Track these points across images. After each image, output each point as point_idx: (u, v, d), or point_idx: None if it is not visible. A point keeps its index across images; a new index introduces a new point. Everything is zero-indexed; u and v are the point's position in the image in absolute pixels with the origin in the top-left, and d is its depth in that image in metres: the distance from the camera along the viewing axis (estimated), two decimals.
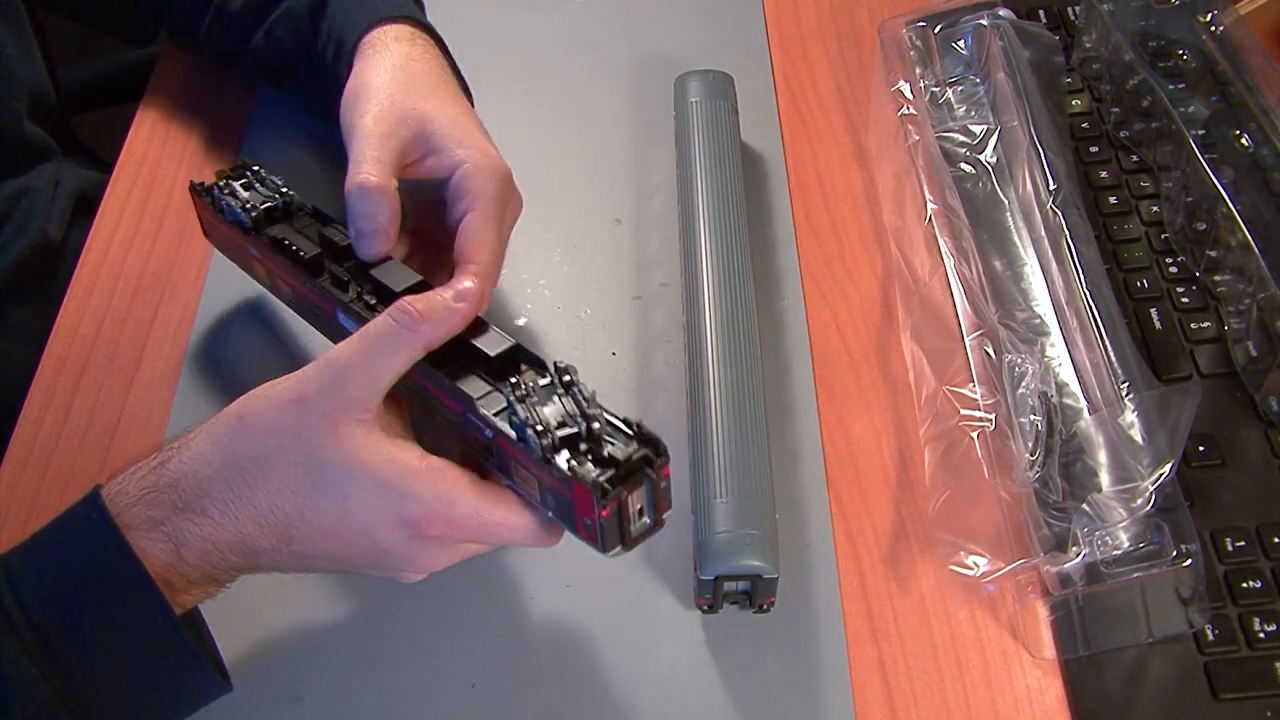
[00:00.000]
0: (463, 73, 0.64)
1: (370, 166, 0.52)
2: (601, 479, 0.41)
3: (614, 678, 0.52)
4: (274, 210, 0.57)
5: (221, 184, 0.59)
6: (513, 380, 0.44)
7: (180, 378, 0.63)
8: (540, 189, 0.62)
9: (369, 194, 0.51)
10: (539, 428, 0.42)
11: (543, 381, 0.44)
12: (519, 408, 0.43)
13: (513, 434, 0.44)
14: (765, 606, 0.52)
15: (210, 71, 0.78)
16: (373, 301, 0.51)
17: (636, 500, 0.42)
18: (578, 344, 0.63)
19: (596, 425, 0.42)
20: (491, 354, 0.46)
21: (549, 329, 0.64)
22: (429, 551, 0.44)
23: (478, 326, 0.48)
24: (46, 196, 0.73)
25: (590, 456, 0.42)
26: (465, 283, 0.46)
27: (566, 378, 0.44)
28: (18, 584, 0.42)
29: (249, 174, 0.59)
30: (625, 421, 0.43)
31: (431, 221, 0.57)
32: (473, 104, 0.64)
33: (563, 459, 0.42)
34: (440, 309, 0.45)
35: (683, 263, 0.62)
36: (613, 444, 0.42)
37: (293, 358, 0.63)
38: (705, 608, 0.53)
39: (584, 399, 0.43)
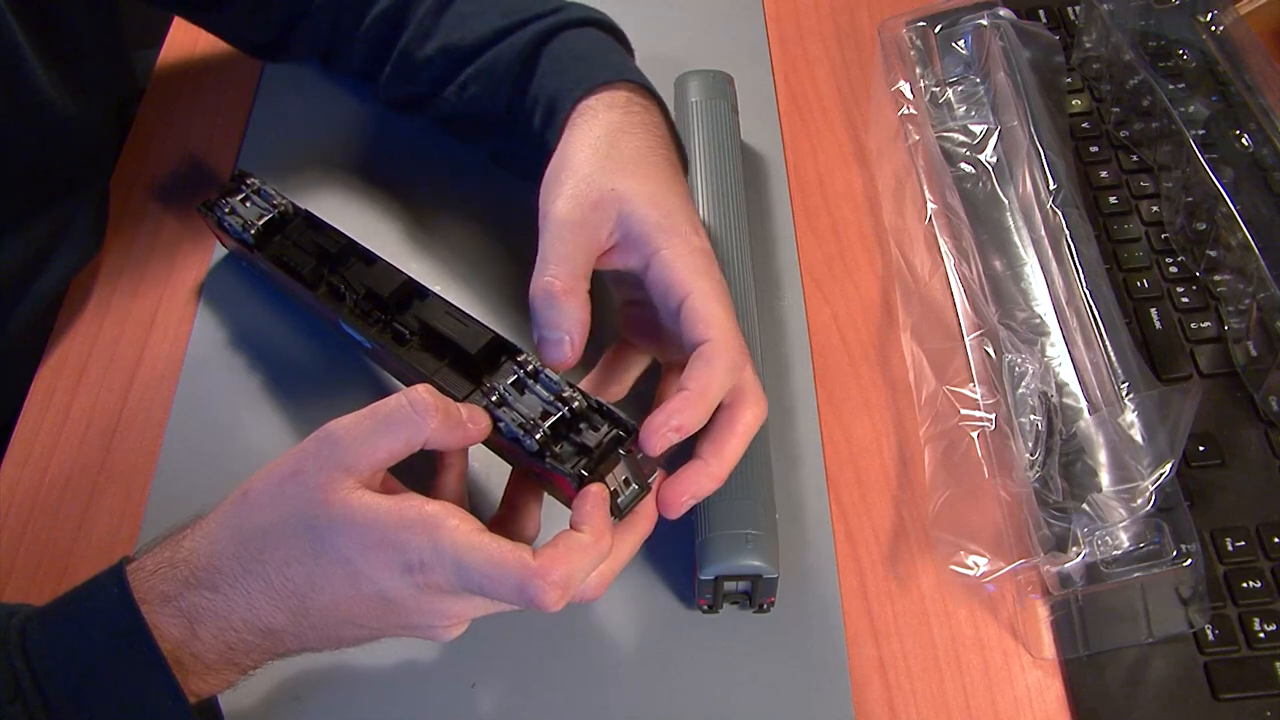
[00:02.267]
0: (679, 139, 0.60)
1: (556, 268, 0.49)
2: (579, 467, 0.45)
3: (614, 677, 0.52)
4: (271, 222, 0.60)
5: (223, 203, 0.62)
6: (485, 388, 0.48)
7: (180, 378, 0.63)
8: None
9: (553, 301, 0.49)
10: (527, 426, 0.46)
11: (510, 379, 0.48)
12: (501, 414, 0.46)
13: (512, 438, 0.46)
14: (765, 606, 0.52)
15: (210, 72, 0.78)
16: (368, 307, 0.55)
17: (620, 474, 0.46)
18: None
19: (577, 404, 0.46)
20: (472, 351, 0.50)
21: None
22: (443, 602, 0.43)
23: (457, 319, 0.52)
24: None
25: (571, 443, 0.46)
26: (480, 421, 0.46)
27: (530, 367, 0.48)
28: (32, 651, 0.42)
29: (245, 187, 0.62)
30: (597, 403, 0.47)
31: (636, 298, 0.54)
32: (687, 171, 0.61)
33: (548, 451, 0.46)
34: (454, 415, 0.45)
35: None
36: (588, 426, 0.46)
37: (293, 359, 0.63)
38: (705, 608, 0.53)
39: (554, 382, 0.47)
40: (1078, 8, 0.74)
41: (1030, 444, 0.53)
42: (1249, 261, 0.57)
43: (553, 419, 0.46)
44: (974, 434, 0.55)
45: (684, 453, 0.48)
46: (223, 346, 0.64)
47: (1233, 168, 0.61)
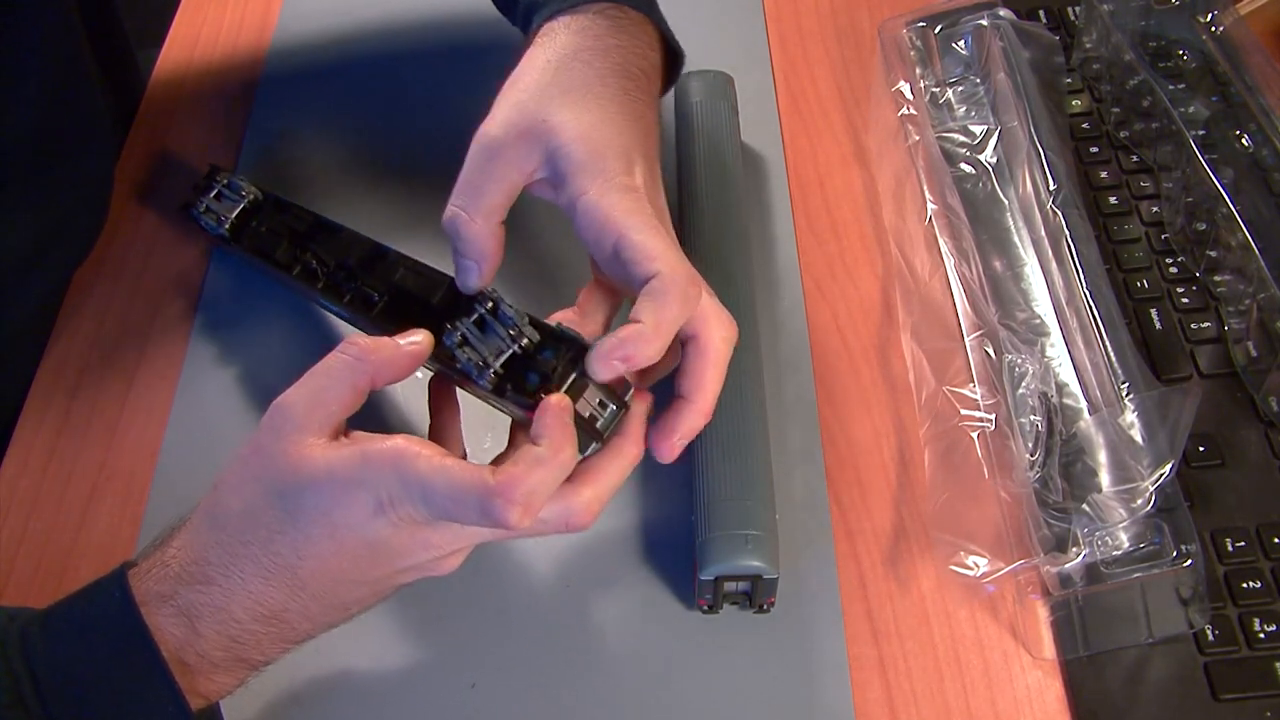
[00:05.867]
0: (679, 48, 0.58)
1: (465, 198, 0.48)
2: (539, 397, 0.43)
3: (614, 678, 0.52)
4: (244, 212, 0.62)
5: (199, 202, 0.63)
6: (448, 326, 0.47)
7: (180, 378, 0.63)
8: None
9: (458, 231, 0.48)
10: (480, 364, 0.45)
11: (472, 318, 0.47)
12: (460, 353, 0.46)
13: (465, 374, 0.46)
14: (765, 606, 0.52)
15: (210, 71, 0.78)
16: (339, 278, 0.55)
17: (592, 397, 0.44)
18: None
19: (525, 341, 0.45)
20: (434, 301, 0.50)
21: None
22: (423, 533, 0.43)
23: (417, 273, 0.52)
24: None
25: (536, 373, 0.45)
26: (414, 337, 0.46)
27: (490, 304, 0.47)
28: (33, 655, 0.42)
29: (215, 183, 0.63)
30: (555, 330, 0.46)
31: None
32: (675, 78, 0.59)
33: (510, 384, 0.45)
34: (388, 346, 0.45)
35: None
36: (552, 354, 0.45)
37: (293, 356, 0.63)
38: (705, 608, 0.53)
39: (510, 317, 0.46)
40: (1078, 8, 0.74)
41: (1030, 444, 0.53)
42: (1249, 261, 0.57)
43: (504, 356, 0.45)
44: (974, 434, 0.55)
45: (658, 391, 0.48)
46: (222, 346, 0.64)
47: (1233, 168, 0.61)
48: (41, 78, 0.62)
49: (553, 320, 0.49)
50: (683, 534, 0.54)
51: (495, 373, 0.45)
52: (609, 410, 0.45)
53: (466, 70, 0.76)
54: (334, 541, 0.42)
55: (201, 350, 0.64)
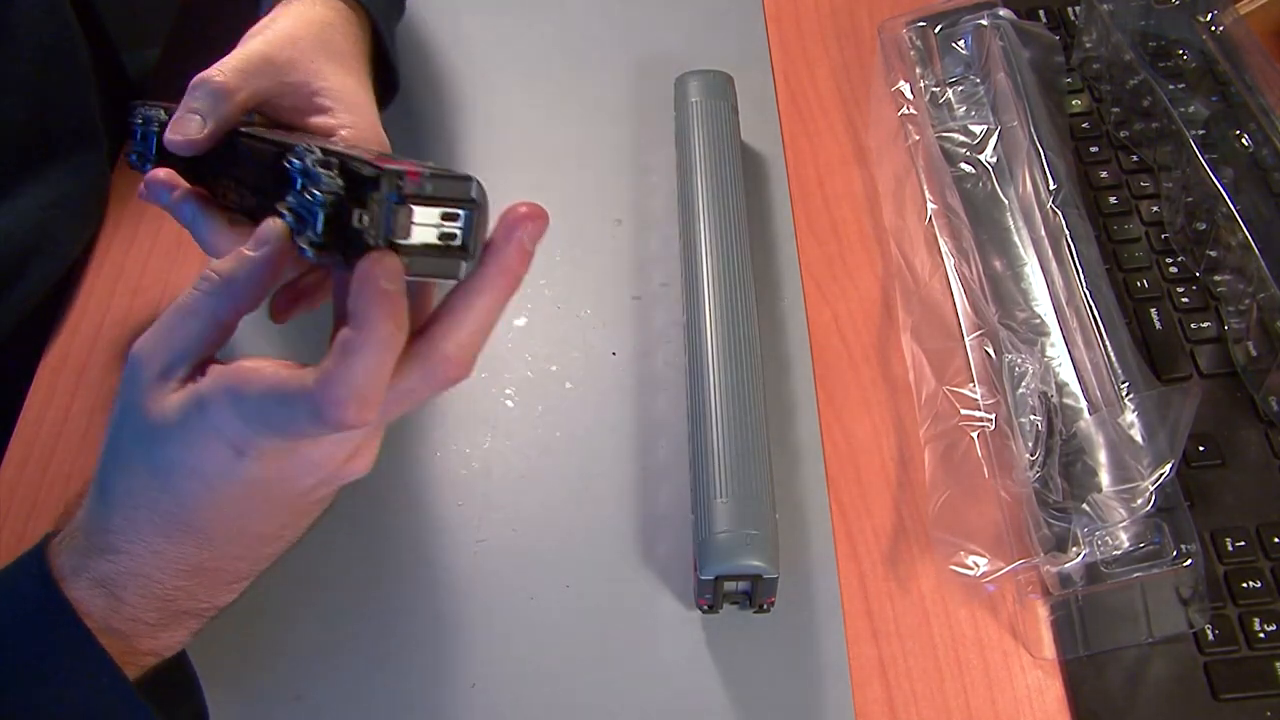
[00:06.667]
0: (398, 68, 0.63)
1: (219, 70, 0.50)
2: (367, 250, 0.35)
3: (614, 678, 0.52)
4: (159, 139, 0.52)
5: (130, 151, 0.56)
6: (279, 210, 0.39)
7: None
8: (540, 189, 0.62)
9: (198, 85, 0.49)
10: (310, 240, 0.37)
11: (297, 187, 0.38)
12: (299, 240, 0.38)
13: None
14: (765, 606, 0.52)
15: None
16: (228, 186, 0.49)
17: (429, 218, 0.35)
18: (578, 344, 0.63)
19: (332, 198, 0.36)
20: (271, 181, 0.41)
21: (549, 329, 0.64)
22: (298, 456, 0.38)
23: (251, 155, 0.46)
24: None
25: (367, 225, 0.35)
26: (269, 222, 0.39)
27: (297, 163, 0.38)
28: None
29: (136, 123, 0.56)
30: (357, 172, 0.36)
31: None
32: (392, 98, 0.64)
33: (342, 254, 0.37)
34: (243, 263, 0.38)
35: (683, 263, 0.62)
36: (360, 205, 0.36)
37: (292, 353, 0.63)
38: (705, 608, 0.53)
39: (317, 177, 0.37)
40: (1078, 8, 0.74)
41: (1030, 444, 0.53)
42: (1249, 261, 0.57)
43: (318, 222, 0.37)
44: (974, 434, 0.55)
45: None
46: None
47: (1233, 168, 0.61)
48: (32, 74, 0.61)
49: None
50: (683, 534, 0.54)
51: (316, 245, 0.37)
52: (462, 218, 0.35)
53: (465, 65, 0.76)
54: (214, 493, 0.38)
55: None
